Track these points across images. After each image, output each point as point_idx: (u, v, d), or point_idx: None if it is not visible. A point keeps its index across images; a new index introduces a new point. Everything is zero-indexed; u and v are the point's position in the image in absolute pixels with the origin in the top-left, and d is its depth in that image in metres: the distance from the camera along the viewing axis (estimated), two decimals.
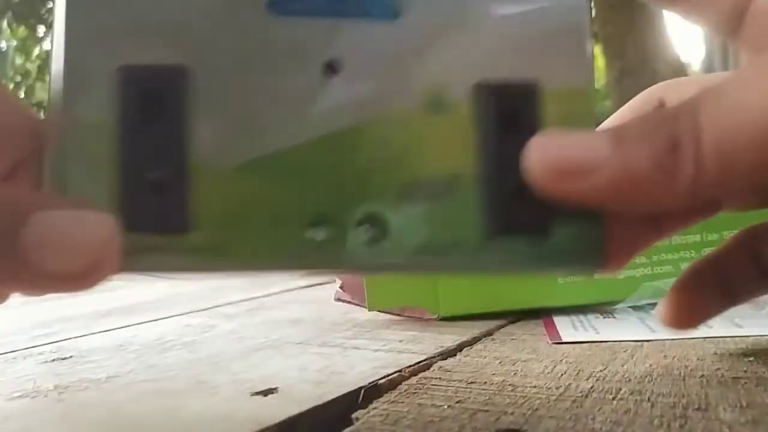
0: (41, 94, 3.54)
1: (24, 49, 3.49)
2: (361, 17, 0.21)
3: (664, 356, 0.27)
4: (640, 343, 0.29)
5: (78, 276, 0.17)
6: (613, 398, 0.21)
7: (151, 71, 0.20)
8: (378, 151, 0.21)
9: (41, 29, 3.41)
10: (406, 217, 0.20)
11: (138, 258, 0.19)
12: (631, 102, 0.28)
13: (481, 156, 0.21)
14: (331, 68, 0.21)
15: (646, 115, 0.20)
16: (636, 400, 0.21)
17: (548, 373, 0.25)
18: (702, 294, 0.25)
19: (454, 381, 0.24)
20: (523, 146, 0.20)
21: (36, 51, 3.51)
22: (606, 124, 0.27)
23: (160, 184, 0.19)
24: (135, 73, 0.20)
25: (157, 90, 0.20)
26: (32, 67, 3.49)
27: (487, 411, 0.20)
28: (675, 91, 0.27)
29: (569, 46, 0.22)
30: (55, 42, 0.21)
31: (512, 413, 0.20)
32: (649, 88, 0.28)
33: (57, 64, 0.20)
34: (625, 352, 0.28)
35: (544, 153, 0.19)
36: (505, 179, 0.21)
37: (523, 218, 0.21)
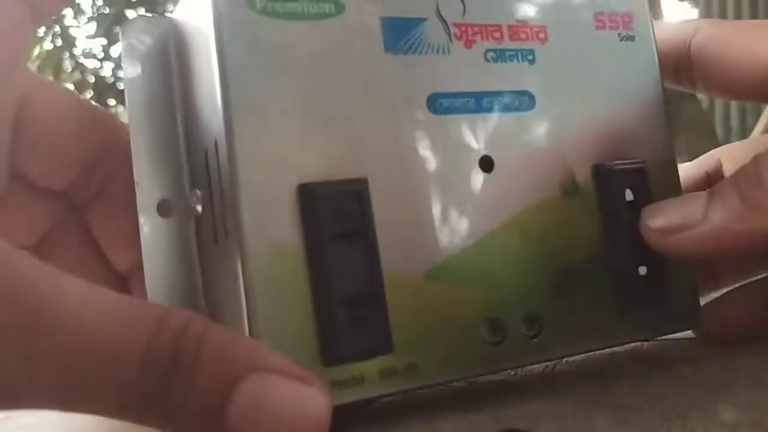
0: None
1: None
2: (504, 112, 0.22)
3: (665, 356, 0.27)
4: (640, 343, 0.29)
5: None
6: (614, 398, 0.21)
7: (339, 187, 0.19)
8: (531, 243, 0.22)
9: (41, 29, 3.41)
10: (558, 310, 0.22)
11: (344, 391, 0.18)
12: (693, 162, 0.31)
13: (612, 233, 0.23)
14: (486, 165, 0.21)
15: (740, 169, 0.22)
16: (636, 400, 0.20)
17: (548, 373, 0.25)
18: (734, 313, 0.27)
19: (455, 381, 0.24)
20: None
21: (36, 51, 3.50)
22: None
23: (359, 308, 0.18)
24: (323, 191, 0.19)
25: (346, 206, 0.19)
26: (32, 67, 3.49)
27: (487, 411, 0.20)
28: (731, 154, 0.30)
29: (655, 125, 0.24)
30: (188, 124, 0.20)
31: (512, 413, 0.20)
32: (712, 151, 0.31)
33: (215, 169, 0.19)
34: (625, 351, 0.28)
35: (653, 217, 0.22)
36: (631, 255, 0.23)
37: (649, 291, 0.23)
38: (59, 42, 3.49)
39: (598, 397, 0.21)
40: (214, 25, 0.18)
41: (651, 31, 0.25)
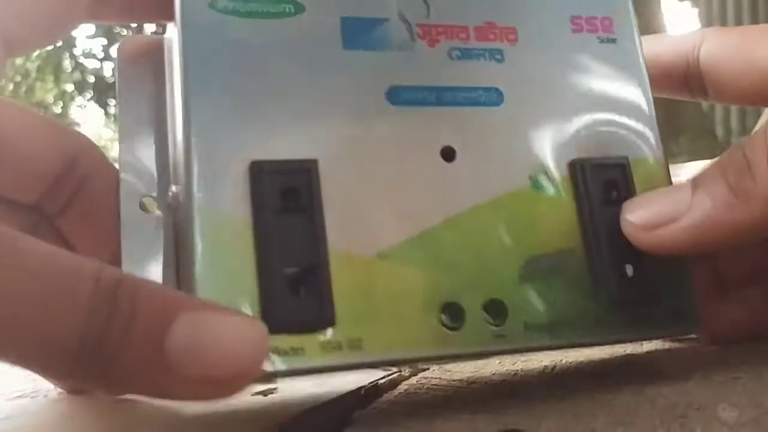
0: (41, 94, 3.54)
1: None
2: (470, 105, 0.22)
3: (665, 356, 0.27)
4: (640, 343, 0.29)
5: (223, 382, 0.16)
6: (613, 398, 0.21)
7: (288, 166, 0.20)
8: (496, 232, 0.21)
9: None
10: (524, 300, 0.21)
11: (283, 360, 0.18)
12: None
13: (590, 230, 0.22)
14: (447, 154, 0.22)
15: (724, 156, 0.21)
16: (636, 400, 0.21)
17: (548, 373, 0.25)
18: (736, 312, 0.26)
19: (454, 381, 0.24)
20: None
21: (36, 51, 3.51)
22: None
23: (302, 281, 0.19)
24: (271, 168, 0.20)
25: (293, 184, 0.20)
26: (32, 67, 3.49)
27: (487, 411, 0.20)
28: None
29: (639, 123, 0.24)
30: (173, 130, 0.21)
31: (512, 413, 0.20)
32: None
33: (181, 155, 0.20)
34: (625, 351, 0.28)
35: (633, 210, 0.21)
36: (612, 252, 0.22)
37: (632, 290, 0.22)
38: (59, 42, 3.49)
39: (598, 397, 0.21)
40: (180, 24, 0.21)
41: (634, 33, 0.25)
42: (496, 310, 0.21)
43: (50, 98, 3.57)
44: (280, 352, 0.19)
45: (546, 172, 0.22)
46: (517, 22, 0.24)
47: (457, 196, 0.21)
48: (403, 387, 0.24)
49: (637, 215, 0.21)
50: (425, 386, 0.24)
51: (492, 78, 0.23)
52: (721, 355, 0.26)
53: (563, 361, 0.27)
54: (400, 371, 0.26)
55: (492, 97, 0.23)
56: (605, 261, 0.22)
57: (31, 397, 0.25)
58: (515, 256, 0.21)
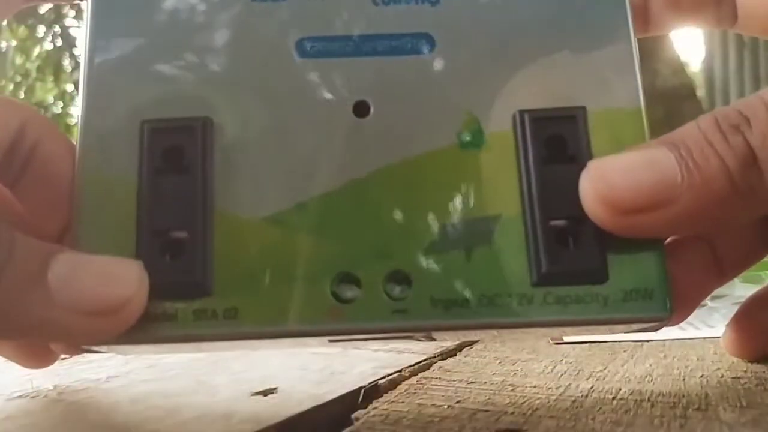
0: (41, 94, 3.54)
1: (24, 49, 3.49)
2: (392, 55, 0.20)
3: (664, 356, 0.27)
4: (640, 343, 0.29)
5: (107, 311, 0.17)
6: (613, 398, 0.21)
7: (173, 124, 0.19)
8: (408, 197, 0.19)
9: (41, 29, 3.41)
10: (434, 270, 0.19)
11: (153, 326, 0.18)
12: None
13: (526, 193, 0.19)
14: (360, 110, 0.20)
15: (703, 120, 0.18)
16: (636, 400, 0.20)
17: (548, 373, 0.25)
18: (762, 322, 0.25)
19: (454, 381, 0.24)
20: (572, 177, 0.19)
21: (36, 51, 3.51)
22: None
23: (180, 246, 0.18)
24: (156, 127, 0.19)
25: (177, 143, 0.19)
26: (32, 67, 3.49)
27: (487, 411, 0.20)
28: None
29: (614, 68, 0.20)
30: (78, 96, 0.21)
31: (512, 413, 0.20)
32: None
33: (78, 117, 0.20)
34: (625, 352, 0.28)
35: (601, 181, 0.18)
36: (555, 216, 0.19)
37: (578, 262, 0.19)
38: (59, 42, 3.49)
39: (597, 397, 0.21)
40: None
41: None
42: (399, 282, 0.19)
43: (50, 98, 3.57)
44: (151, 318, 0.18)
45: (480, 128, 0.20)
46: None
47: (365, 155, 0.19)
48: (403, 387, 0.24)
49: (611, 192, 0.17)
50: (425, 386, 0.24)
51: (423, 22, 0.20)
52: (721, 355, 0.26)
53: (563, 362, 0.27)
54: (401, 371, 0.26)
55: (420, 44, 0.20)
56: (540, 229, 0.19)
57: (31, 397, 0.25)
58: (428, 223, 0.19)
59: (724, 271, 0.24)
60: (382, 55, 0.20)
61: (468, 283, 0.19)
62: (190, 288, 0.18)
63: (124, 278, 0.18)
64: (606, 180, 0.17)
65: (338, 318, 0.19)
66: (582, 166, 0.19)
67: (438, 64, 0.20)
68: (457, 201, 0.19)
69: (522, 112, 0.20)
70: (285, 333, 0.19)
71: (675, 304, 0.19)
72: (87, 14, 0.21)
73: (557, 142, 0.19)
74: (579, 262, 0.19)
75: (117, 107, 0.20)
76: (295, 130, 0.20)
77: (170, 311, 0.18)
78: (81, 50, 0.21)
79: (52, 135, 0.24)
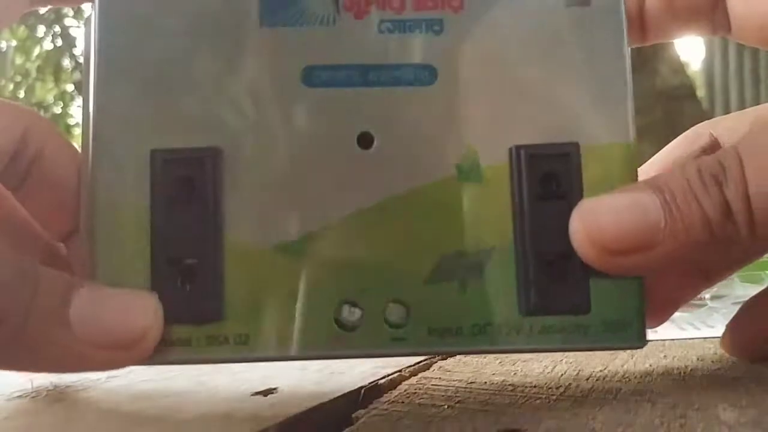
0: (41, 94, 3.54)
1: (24, 49, 3.49)
2: (395, 86, 0.20)
3: (664, 356, 0.27)
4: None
5: (122, 347, 0.18)
6: (613, 398, 0.21)
7: (184, 155, 0.20)
8: (409, 227, 0.20)
9: (41, 29, 3.41)
10: (431, 300, 0.20)
11: (168, 350, 0.19)
12: (678, 140, 0.27)
13: (518, 228, 0.20)
14: (365, 141, 0.20)
15: (688, 168, 0.19)
16: (636, 400, 0.20)
17: (548, 373, 0.25)
18: (760, 324, 0.25)
19: (454, 381, 0.24)
20: (563, 212, 0.19)
21: (36, 51, 3.51)
22: (654, 162, 0.27)
23: (192, 273, 0.19)
24: (167, 157, 0.20)
25: (188, 173, 0.20)
26: (32, 66, 3.49)
27: (487, 411, 0.20)
28: (725, 128, 0.26)
29: (607, 102, 0.21)
30: (84, 120, 0.21)
31: (512, 413, 0.20)
32: (697, 126, 0.27)
33: (88, 144, 0.20)
34: (625, 352, 0.28)
35: (589, 221, 0.19)
36: (545, 251, 0.20)
37: (564, 295, 0.20)
38: (59, 42, 3.49)
39: (597, 397, 0.21)
40: (98, 5, 0.20)
41: None
42: (398, 312, 0.20)
43: (50, 98, 3.57)
44: (167, 343, 0.19)
45: (478, 161, 0.20)
46: None
47: (370, 186, 0.20)
48: (403, 387, 0.24)
49: (600, 235, 0.19)
50: (425, 386, 0.24)
51: (426, 53, 0.20)
52: (721, 355, 0.26)
53: (563, 362, 0.27)
54: (401, 371, 0.26)
55: (423, 75, 0.20)
56: (531, 262, 0.20)
57: (32, 397, 0.25)
58: (428, 254, 0.20)
59: (710, 277, 0.25)
60: (386, 85, 0.20)
61: (462, 313, 0.20)
62: (203, 314, 0.19)
63: (141, 313, 0.18)
64: (596, 223, 0.19)
65: (340, 345, 0.20)
66: (573, 202, 0.20)
67: (439, 96, 0.20)
68: (454, 233, 0.20)
69: (518, 148, 0.20)
70: (291, 358, 0.20)
71: (654, 308, 0.21)
72: (94, 39, 0.20)
73: (550, 179, 0.20)
74: (565, 296, 0.20)
75: (127, 135, 0.20)
76: (301, 160, 0.20)
77: (184, 336, 0.19)
78: (85, 68, 0.21)
79: (55, 139, 0.24)
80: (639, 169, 0.22)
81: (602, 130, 0.21)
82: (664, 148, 0.28)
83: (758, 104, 0.28)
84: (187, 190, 0.20)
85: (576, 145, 0.20)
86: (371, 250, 0.20)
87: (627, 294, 0.20)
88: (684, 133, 0.27)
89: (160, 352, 0.19)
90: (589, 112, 0.21)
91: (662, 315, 0.25)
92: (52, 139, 0.24)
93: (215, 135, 0.20)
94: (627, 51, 0.21)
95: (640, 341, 0.20)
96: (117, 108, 0.20)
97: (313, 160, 0.20)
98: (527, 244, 0.20)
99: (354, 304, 0.20)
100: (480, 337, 0.20)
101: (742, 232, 0.18)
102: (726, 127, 0.26)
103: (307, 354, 0.20)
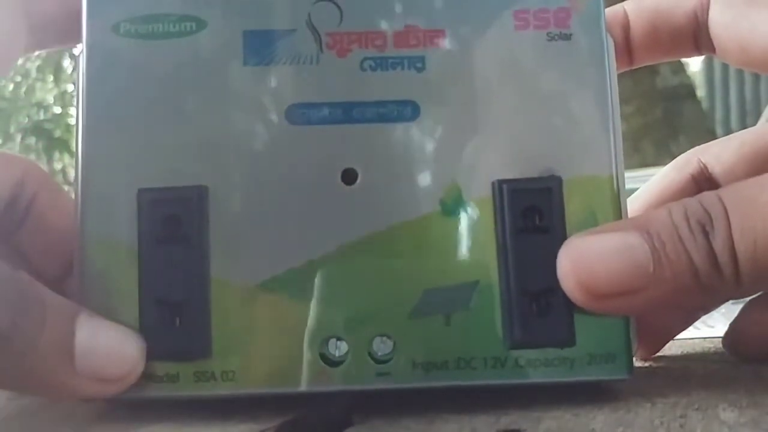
0: (41, 94, 3.54)
1: None
2: (378, 122, 0.20)
3: (664, 356, 0.27)
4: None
5: (110, 381, 0.19)
6: (613, 398, 0.21)
7: (171, 194, 0.20)
8: (393, 262, 0.20)
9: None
10: (415, 335, 0.20)
11: (156, 386, 0.20)
12: (668, 168, 0.28)
13: (502, 262, 0.20)
14: (348, 177, 0.20)
15: (675, 211, 0.19)
16: (636, 400, 0.20)
17: None
18: (763, 324, 0.25)
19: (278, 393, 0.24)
20: (547, 246, 0.20)
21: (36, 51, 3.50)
22: (645, 191, 0.27)
23: (180, 311, 0.20)
24: (155, 197, 0.20)
25: (175, 212, 0.20)
26: (32, 66, 3.49)
27: (487, 411, 0.20)
28: (712, 155, 0.27)
29: (589, 134, 0.21)
30: (75, 161, 0.21)
31: (512, 413, 0.20)
32: (687, 153, 0.28)
33: (78, 184, 0.21)
34: None
35: (578, 263, 0.19)
36: (529, 284, 0.20)
37: (549, 328, 0.20)
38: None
39: (598, 397, 0.21)
40: (86, 51, 0.21)
41: (599, 26, 0.21)
42: (383, 346, 0.20)
43: (50, 98, 3.57)
44: (155, 379, 0.20)
45: (461, 196, 0.20)
46: (447, 24, 0.21)
47: (353, 222, 0.20)
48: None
49: (590, 279, 0.19)
50: None
51: (408, 90, 0.21)
52: (721, 355, 0.26)
53: None
54: None
55: (405, 111, 0.20)
56: (515, 296, 0.20)
57: (31, 397, 0.25)
58: (411, 289, 0.20)
59: (702, 310, 0.26)
60: (370, 121, 0.20)
61: (446, 347, 0.20)
62: (190, 352, 0.20)
63: (134, 348, 0.19)
64: (586, 266, 0.19)
65: (326, 380, 0.20)
66: (556, 236, 0.20)
67: (421, 132, 0.20)
68: (439, 267, 0.20)
69: (501, 183, 0.20)
70: (277, 394, 0.20)
71: (648, 339, 0.23)
72: (81, 82, 0.21)
73: (533, 213, 0.20)
74: (550, 330, 0.20)
75: (114, 172, 0.20)
76: (286, 197, 0.20)
77: (172, 372, 0.20)
78: (76, 111, 0.21)
79: (49, 186, 0.26)
80: (631, 197, 0.22)
81: (585, 163, 0.21)
82: (656, 176, 0.28)
83: (758, 104, 0.28)
84: (173, 229, 0.20)
85: (558, 179, 0.20)
86: (356, 284, 0.20)
87: (613, 327, 0.20)
88: (674, 160, 0.28)
89: (149, 388, 0.20)
90: (571, 145, 0.21)
91: (655, 346, 0.26)
92: (47, 187, 0.25)
93: (201, 174, 0.20)
94: (612, 82, 0.21)
95: (626, 373, 0.21)
96: (104, 149, 0.21)
97: (298, 196, 0.20)
98: (511, 278, 0.20)
99: (339, 338, 0.20)
100: (464, 371, 0.20)
101: (728, 282, 0.19)
102: (713, 154, 0.27)
103: (291, 390, 0.20)
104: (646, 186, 0.28)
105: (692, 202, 0.19)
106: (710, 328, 0.31)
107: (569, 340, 0.20)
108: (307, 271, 0.20)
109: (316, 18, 0.20)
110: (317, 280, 0.20)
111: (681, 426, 0.18)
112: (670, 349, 0.28)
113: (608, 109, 0.21)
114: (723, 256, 0.18)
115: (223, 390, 0.20)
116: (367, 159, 0.20)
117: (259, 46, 0.20)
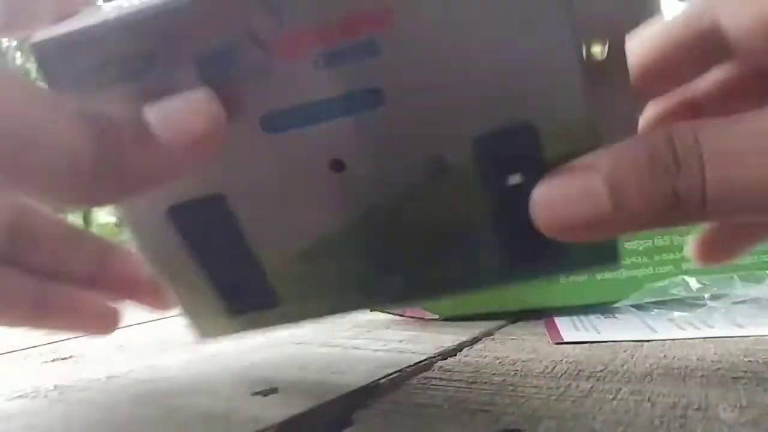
0: None
1: (24, 49, 3.49)
2: (348, 115, 0.21)
3: (664, 356, 0.27)
4: (640, 343, 0.29)
5: (196, 144, 0.19)
6: (613, 398, 0.21)
7: (198, 203, 0.23)
8: (398, 222, 0.23)
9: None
10: (431, 271, 0.23)
11: (246, 326, 0.25)
12: (680, 17, 0.24)
13: (492, 211, 0.22)
14: (337, 166, 0.22)
15: (644, 155, 0.19)
16: (636, 400, 0.21)
17: (548, 373, 0.25)
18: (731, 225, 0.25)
19: (455, 381, 0.24)
20: (529, 184, 0.20)
21: None
22: (648, 37, 0.24)
23: (246, 281, 0.24)
24: (185, 209, 0.23)
25: (210, 217, 0.23)
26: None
27: (487, 411, 0.20)
28: (729, 15, 0.23)
29: (558, 78, 0.20)
30: None
31: (512, 413, 0.20)
32: (698, 3, 0.24)
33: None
34: (625, 352, 0.28)
35: (546, 211, 0.20)
36: (520, 224, 0.21)
37: (542, 248, 0.22)
38: None
39: (598, 397, 0.21)
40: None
41: None
42: (398, 280, 0.24)
43: None
44: (245, 323, 0.25)
45: (441, 160, 0.21)
46: (392, 1, 0.19)
47: (351, 201, 0.22)
48: (403, 387, 0.24)
49: (556, 220, 0.20)
50: (425, 386, 0.24)
51: (367, 77, 0.20)
52: (721, 355, 0.26)
53: (563, 361, 0.27)
54: (401, 371, 0.26)
55: (370, 99, 0.20)
56: (508, 233, 0.23)
57: (31, 398, 0.25)
58: (419, 240, 0.23)
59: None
60: (339, 116, 0.21)
61: (456, 275, 0.24)
62: (265, 304, 0.25)
63: (207, 109, 0.19)
64: (550, 212, 0.20)
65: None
66: (537, 178, 0.20)
67: (391, 114, 0.21)
68: (439, 217, 0.22)
69: (477, 140, 0.21)
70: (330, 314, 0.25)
71: (721, 244, 0.24)
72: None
73: (514, 162, 0.21)
74: (544, 249, 0.22)
75: (144, 202, 0.22)
76: (288, 195, 0.22)
77: (257, 318, 0.25)
78: None
79: (44, 214, 0.27)
80: (634, 40, 0.23)
81: (556, 107, 0.21)
82: (662, 24, 0.25)
83: None
84: (210, 226, 0.23)
85: (531, 126, 0.21)
86: (372, 245, 0.23)
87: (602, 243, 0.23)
88: (685, 10, 0.24)
89: (241, 327, 0.25)
90: (541, 92, 0.21)
91: (734, 251, 0.25)
92: (41, 214, 0.27)
93: (214, 185, 0.23)
94: (569, 20, 0.20)
95: (614, 264, 0.23)
96: None
97: (299, 192, 0.22)
98: (502, 223, 0.22)
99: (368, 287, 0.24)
100: (472, 279, 0.24)
101: (692, 218, 0.19)
102: (731, 10, 0.23)
103: (342, 307, 0.25)
104: (649, 32, 0.25)
105: (663, 144, 0.19)
106: (710, 328, 0.31)
107: (563, 252, 0.22)
108: (330, 240, 0.23)
109: (256, 27, 0.20)
110: (340, 246, 0.23)
111: (681, 426, 0.18)
112: (671, 349, 0.28)
113: (572, 48, 0.20)
114: (690, 203, 0.19)
115: (294, 321, 0.25)
116: (348, 149, 0.21)
117: (213, 70, 0.20)
